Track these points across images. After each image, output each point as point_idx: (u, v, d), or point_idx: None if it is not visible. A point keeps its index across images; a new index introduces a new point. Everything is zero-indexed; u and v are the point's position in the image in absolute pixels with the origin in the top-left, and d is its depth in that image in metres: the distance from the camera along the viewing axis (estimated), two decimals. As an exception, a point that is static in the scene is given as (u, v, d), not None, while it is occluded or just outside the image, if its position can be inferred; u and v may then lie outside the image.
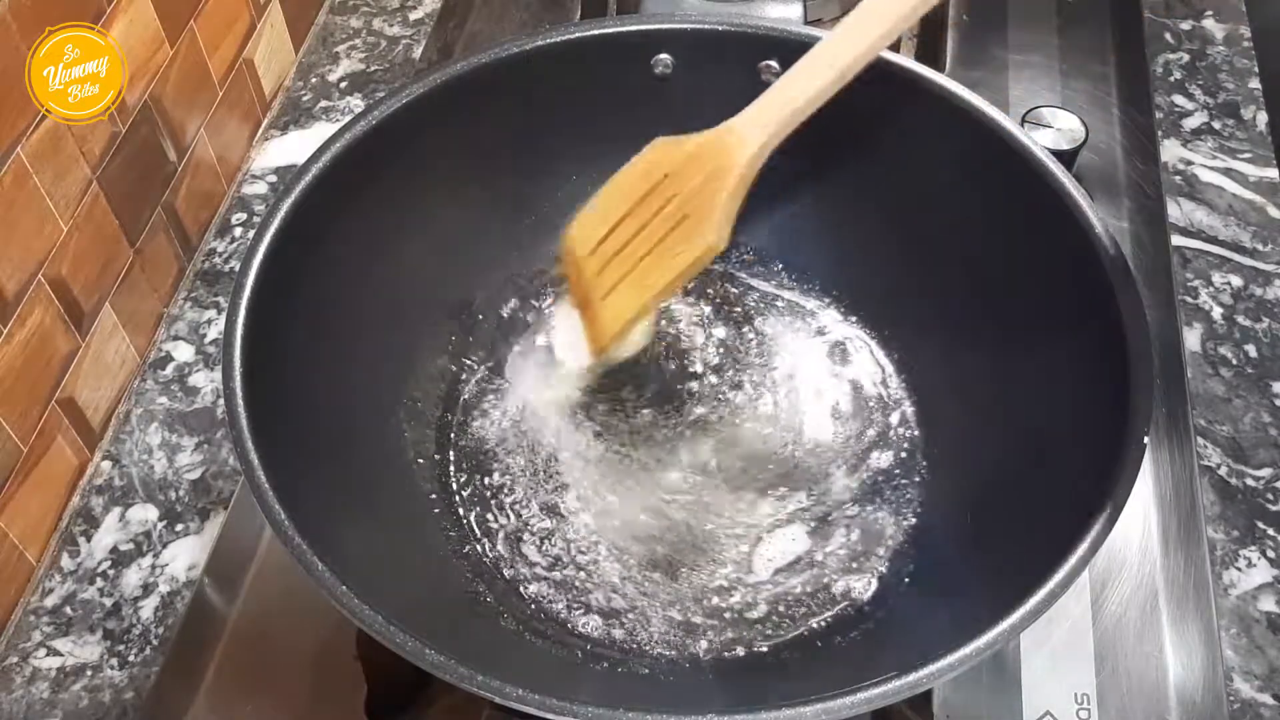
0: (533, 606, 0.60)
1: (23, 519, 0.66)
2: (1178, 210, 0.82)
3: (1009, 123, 0.62)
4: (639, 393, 0.68)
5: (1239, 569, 0.65)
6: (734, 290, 0.73)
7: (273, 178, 0.87)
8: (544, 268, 0.73)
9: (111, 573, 0.67)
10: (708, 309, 0.72)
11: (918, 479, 0.65)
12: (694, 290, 0.73)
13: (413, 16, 0.98)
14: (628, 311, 0.60)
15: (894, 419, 0.67)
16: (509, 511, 0.64)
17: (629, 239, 0.59)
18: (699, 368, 0.69)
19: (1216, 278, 0.78)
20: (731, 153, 0.56)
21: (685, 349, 0.70)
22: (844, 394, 0.68)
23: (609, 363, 0.66)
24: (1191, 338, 0.75)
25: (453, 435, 0.67)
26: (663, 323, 0.71)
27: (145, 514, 0.69)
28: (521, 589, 0.61)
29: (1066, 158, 0.77)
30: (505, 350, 0.70)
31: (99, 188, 0.69)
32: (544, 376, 0.69)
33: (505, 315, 0.72)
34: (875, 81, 0.65)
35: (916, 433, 0.66)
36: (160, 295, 0.78)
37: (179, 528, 0.69)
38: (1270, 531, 0.67)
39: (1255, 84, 0.90)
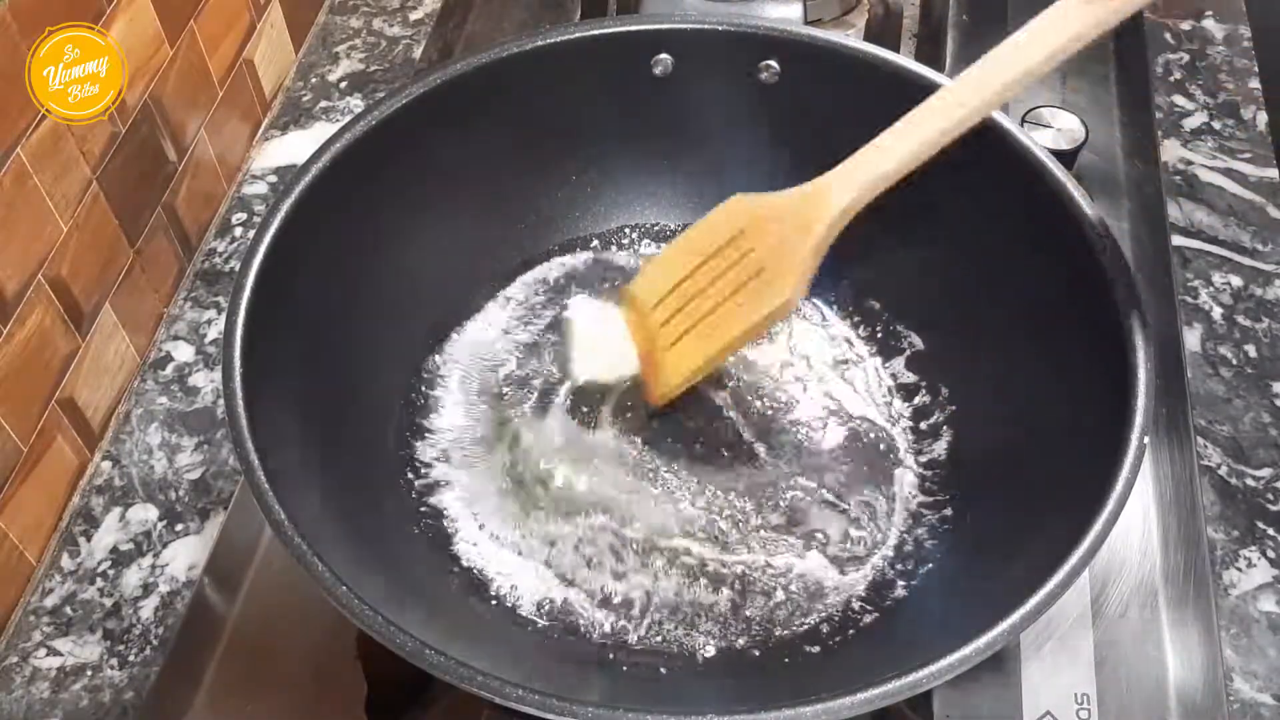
0: (533, 602, 0.60)
1: (23, 519, 0.66)
2: (1178, 210, 0.82)
3: (1009, 123, 0.62)
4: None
5: (1239, 569, 0.65)
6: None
7: (273, 178, 0.87)
8: (543, 267, 0.73)
9: (111, 573, 0.67)
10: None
11: (918, 479, 0.65)
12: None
13: (413, 16, 0.98)
14: (693, 364, 0.60)
15: (893, 419, 0.67)
16: (507, 510, 0.64)
17: (699, 291, 0.59)
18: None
19: (1216, 278, 0.78)
20: (815, 210, 0.56)
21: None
22: (843, 393, 0.68)
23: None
24: (1191, 338, 0.75)
25: (454, 435, 0.67)
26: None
27: (145, 514, 0.69)
28: (522, 586, 0.61)
29: (1066, 158, 0.77)
30: (506, 349, 0.70)
31: (99, 188, 0.69)
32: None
33: (506, 315, 0.72)
34: (876, 82, 0.66)
35: (916, 433, 0.66)
36: (160, 295, 0.78)
37: (179, 528, 0.69)
38: (1270, 531, 0.67)
39: (1255, 84, 0.90)
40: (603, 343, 0.67)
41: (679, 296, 0.60)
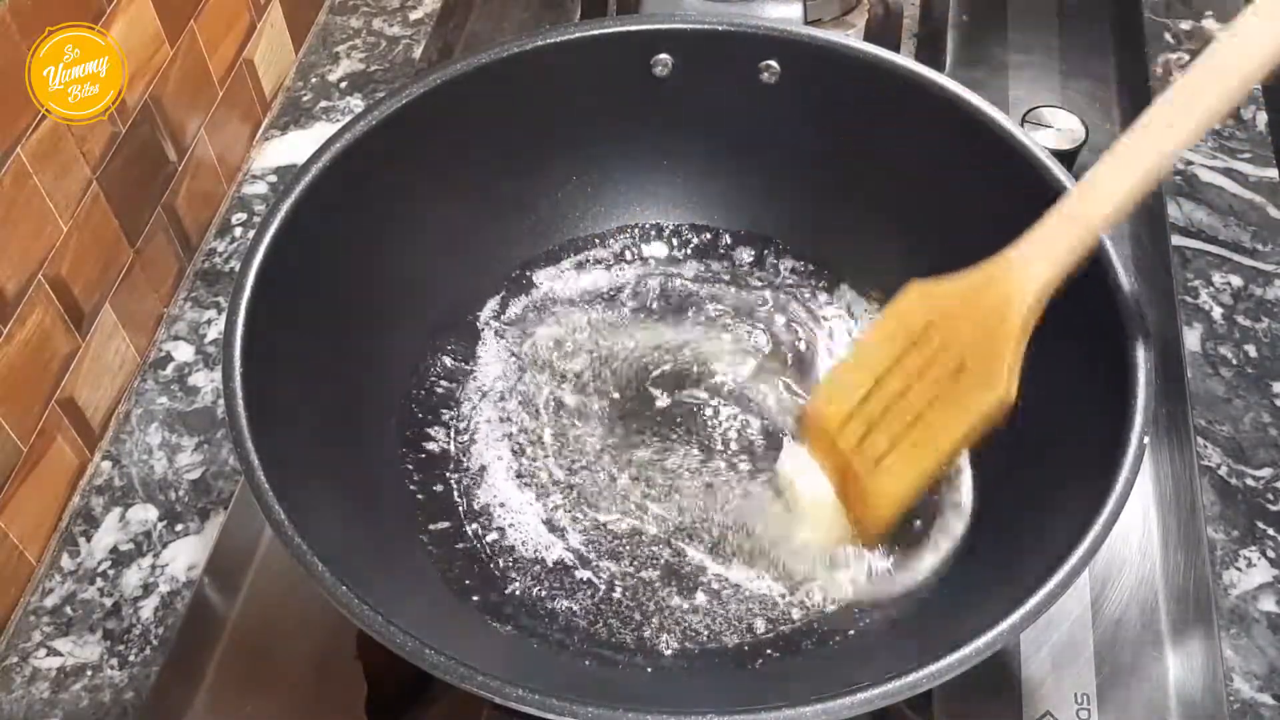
0: (531, 605, 0.60)
1: (23, 519, 0.66)
2: (1178, 210, 0.82)
3: (1009, 123, 0.62)
4: (648, 397, 0.68)
5: (1239, 569, 0.65)
6: (735, 285, 0.73)
7: (273, 178, 0.87)
8: (543, 268, 0.73)
9: (111, 573, 0.67)
10: (714, 308, 0.72)
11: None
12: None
13: (413, 16, 0.98)
14: (908, 483, 0.53)
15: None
16: (510, 511, 0.64)
17: (894, 399, 0.52)
18: (715, 366, 0.69)
19: (1216, 278, 0.79)
20: (1012, 290, 0.50)
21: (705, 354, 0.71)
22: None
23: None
24: (1191, 338, 0.75)
25: (454, 435, 0.67)
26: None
27: (145, 514, 0.69)
28: (521, 589, 0.61)
29: (1066, 158, 0.77)
30: (506, 350, 0.70)
31: (99, 188, 0.69)
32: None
33: (505, 315, 0.72)
34: (876, 82, 0.66)
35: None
36: (160, 295, 0.78)
37: (179, 528, 0.69)
38: (1270, 531, 0.67)
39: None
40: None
41: (870, 410, 0.53)
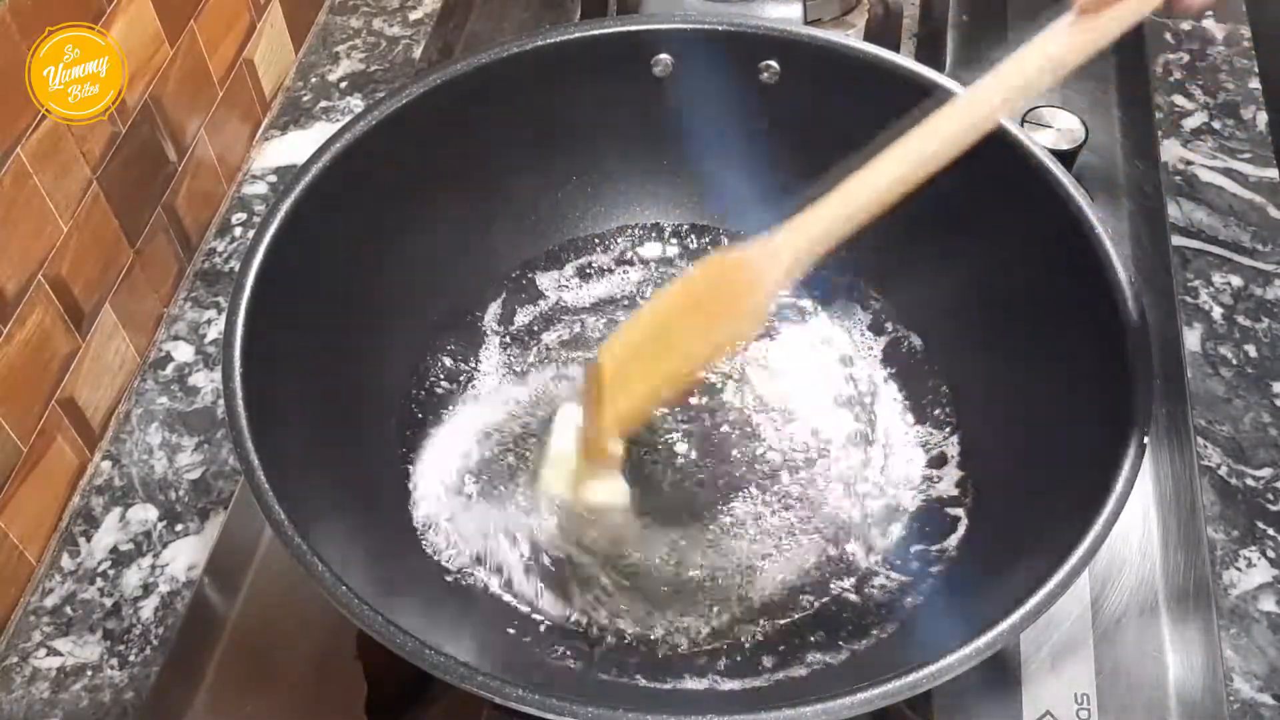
0: (529, 606, 0.60)
1: (23, 519, 0.66)
2: (1178, 210, 0.82)
3: (1009, 123, 0.62)
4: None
5: (1239, 569, 0.65)
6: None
7: (273, 178, 0.87)
8: (543, 268, 0.73)
9: (111, 573, 0.67)
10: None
11: (916, 480, 0.65)
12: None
13: (413, 16, 0.98)
14: (638, 394, 0.57)
15: (892, 420, 0.67)
16: (510, 512, 0.64)
17: (663, 342, 0.57)
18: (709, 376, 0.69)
19: (1216, 278, 0.79)
20: (768, 261, 0.55)
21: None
22: (841, 395, 0.68)
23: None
24: (1191, 338, 0.75)
25: (454, 435, 0.67)
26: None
27: (145, 514, 0.69)
28: (519, 590, 0.61)
29: (1066, 158, 0.77)
30: (506, 350, 0.70)
31: (99, 188, 0.69)
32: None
33: (505, 315, 0.72)
34: (876, 82, 0.66)
35: (914, 434, 0.66)
36: (160, 295, 0.78)
37: (179, 528, 0.69)
38: (1270, 531, 0.67)
39: (1255, 84, 0.90)
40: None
41: (644, 350, 0.58)
